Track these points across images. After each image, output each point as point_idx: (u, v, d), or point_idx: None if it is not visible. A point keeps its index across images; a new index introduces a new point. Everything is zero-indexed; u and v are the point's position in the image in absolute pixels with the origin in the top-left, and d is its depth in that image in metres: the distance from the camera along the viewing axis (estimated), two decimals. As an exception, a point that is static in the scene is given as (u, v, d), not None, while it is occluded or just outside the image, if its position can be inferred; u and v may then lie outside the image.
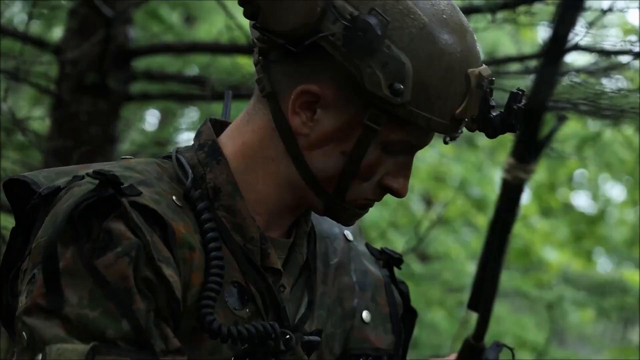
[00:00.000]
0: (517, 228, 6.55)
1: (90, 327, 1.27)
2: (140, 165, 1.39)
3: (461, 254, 6.53)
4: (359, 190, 1.43)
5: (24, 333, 1.29)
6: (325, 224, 1.55)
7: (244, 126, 1.44)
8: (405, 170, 1.43)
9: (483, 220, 6.80)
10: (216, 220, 1.38)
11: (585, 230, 6.72)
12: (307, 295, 1.49)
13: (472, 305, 1.47)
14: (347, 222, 1.48)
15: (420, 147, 1.44)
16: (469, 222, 7.12)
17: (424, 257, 6.58)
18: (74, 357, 1.26)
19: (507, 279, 6.46)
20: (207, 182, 1.40)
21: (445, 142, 1.44)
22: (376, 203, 1.47)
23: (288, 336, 1.40)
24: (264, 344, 1.38)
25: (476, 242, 6.93)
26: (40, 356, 1.27)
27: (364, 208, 1.46)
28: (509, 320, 6.48)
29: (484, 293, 1.44)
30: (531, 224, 6.85)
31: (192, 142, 1.48)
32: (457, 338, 5.96)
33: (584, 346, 8.80)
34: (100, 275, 1.29)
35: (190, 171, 1.38)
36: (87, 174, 1.36)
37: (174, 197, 1.36)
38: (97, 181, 1.33)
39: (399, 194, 1.43)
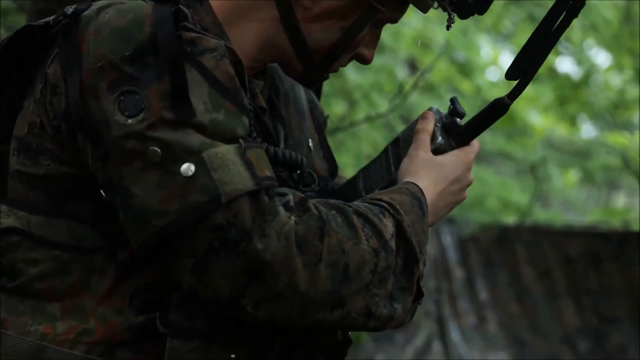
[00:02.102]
0: (502, 93, 6.59)
1: (224, 129, 1.27)
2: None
3: (446, 119, 6.49)
4: (343, 60, 1.49)
5: (154, 148, 1.25)
6: None
7: None
8: (377, 40, 1.50)
9: (468, 86, 6.84)
10: None
11: (570, 95, 6.72)
12: (281, 130, 1.55)
13: (512, 75, 1.48)
14: (314, 85, 1.54)
15: (394, 22, 1.50)
16: (453, 88, 7.12)
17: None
18: (233, 158, 1.25)
19: (491, 142, 6.58)
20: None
21: (448, 28, 1.48)
22: (360, 66, 1.52)
23: (312, 178, 1.48)
24: (289, 174, 1.43)
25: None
26: (191, 165, 1.24)
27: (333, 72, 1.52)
28: (493, 182, 6.55)
29: (533, 62, 1.46)
30: None
31: None
32: None
33: (568, 211, 8.92)
34: (214, 77, 1.28)
35: (186, 11, 1.37)
36: None
37: None
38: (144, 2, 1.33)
39: (368, 61, 1.49)
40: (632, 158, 6.38)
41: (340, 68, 1.52)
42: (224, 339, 1.29)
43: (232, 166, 1.25)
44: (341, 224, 1.30)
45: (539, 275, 5.98)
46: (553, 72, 7.06)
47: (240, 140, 1.28)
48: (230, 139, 1.27)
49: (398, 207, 1.39)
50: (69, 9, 1.32)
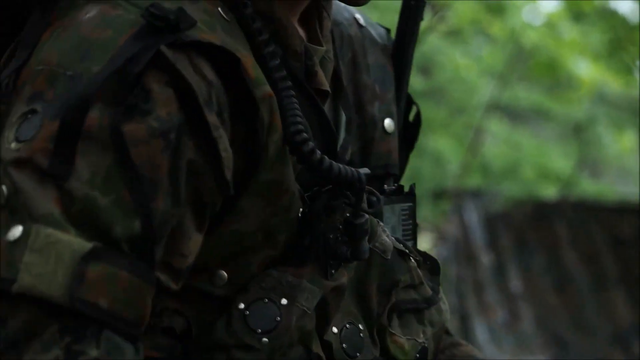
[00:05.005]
0: (540, 37, 6.59)
1: (96, 216, 1.20)
2: None
3: (472, 69, 6.52)
4: None
5: (3, 186, 1.21)
6: (334, 8, 1.53)
7: None
8: None
9: (499, 29, 6.82)
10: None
11: (626, 39, 6.56)
12: (342, 113, 1.48)
13: None
14: (358, 2, 1.44)
15: None
16: (481, 31, 7.08)
17: (427, 74, 6.63)
18: (65, 255, 1.20)
19: (527, 96, 6.65)
20: None
21: None
22: (373, 6, 1.50)
23: (375, 197, 1.40)
24: (343, 194, 1.37)
25: (490, 55, 7.02)
26: (20, 229, 1.20)
27: None
28: (529, 146, 6.54)
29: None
30: (559, 32, 6.75)
31: None
32: (466, 167, 6.17)
33: (624, 181, 8.93)
34: (127, 151, 1.23)
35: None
36: None
37: (219, 9, 1.31)
38: (135, 9, 1.27)
39: None
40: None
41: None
42: None
43: (55, 261, 1.19)
44: None
45: (585, 260, 6.11)
46: (605, 12, 6.99)
47: (96, 243, 1.20)
48: (92, 234, 1.20)
49: None
50: None
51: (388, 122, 1.54)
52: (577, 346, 5.92)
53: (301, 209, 1.33)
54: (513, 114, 7.88)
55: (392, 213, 1.50)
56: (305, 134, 1.31)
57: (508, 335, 5.93)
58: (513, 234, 6.08)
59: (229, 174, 1.29)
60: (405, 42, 1.60)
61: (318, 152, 1.32)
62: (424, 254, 1.50)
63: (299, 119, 1.31)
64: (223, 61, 1.27)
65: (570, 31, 6.77)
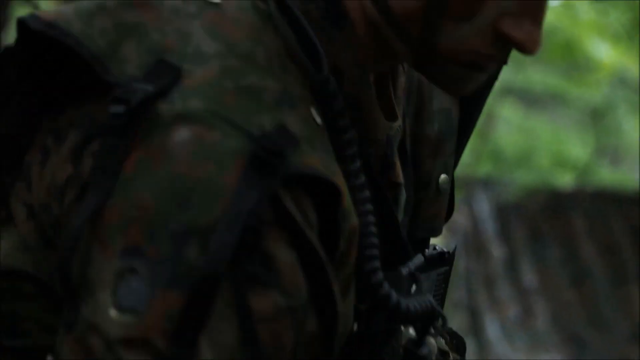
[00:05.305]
0: (557, 17, 6.59)
1: None
2: (245, 32, 1.21)
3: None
4: (457, 35, 1.29)
5: None
6: None
7: None
8: (533, 9, 1.26)
9: None
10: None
11: None
12: (403, 192, 1.44)
13: None
14: (450, 87, 1.35)
15: None
16: None
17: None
18: None
19: (542, 80, 6.44)
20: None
21: None
22: None
23: (442, 318, 1.38)
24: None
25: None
26: None
27: (474, 67, 1.30)
28: (544, 132, 6.63)
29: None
30: (576, 12, 6.71)
31: None
32: (477, 155, 6.01)
33: None
34: (253, 330, 1.19)
35: (322, 53, 1.24)
36: (220, 117, 1.18)
37: (312, 110, 1.25)
38: (235, 131, 1.18)
39: (525, 46, 1.28)
40: None
41: None
42: None
43: None
44: None
45: (602, 253, 6.18)
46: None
47: None
48: None
49: None
50: (135, 99, 1.17)
51: (443, 179, 1.51)
52: (594, 344, 5.97)
53: (356, 325, 1.29)
54: (527, 98, 8.02)
55: (428, 279, 1.45)
56: (381, 275, 1.26)
57: (521, 332, 5.97)
58: (526, 225, 6.15)
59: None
60: (481, 87, 1.54)
61: (394, 294, 1.27)
62: (450, 333, 1.50)
63: (375, 252, 1.25)
64: (323, 189, 1.21)
65: (588, 11, 6.78)
